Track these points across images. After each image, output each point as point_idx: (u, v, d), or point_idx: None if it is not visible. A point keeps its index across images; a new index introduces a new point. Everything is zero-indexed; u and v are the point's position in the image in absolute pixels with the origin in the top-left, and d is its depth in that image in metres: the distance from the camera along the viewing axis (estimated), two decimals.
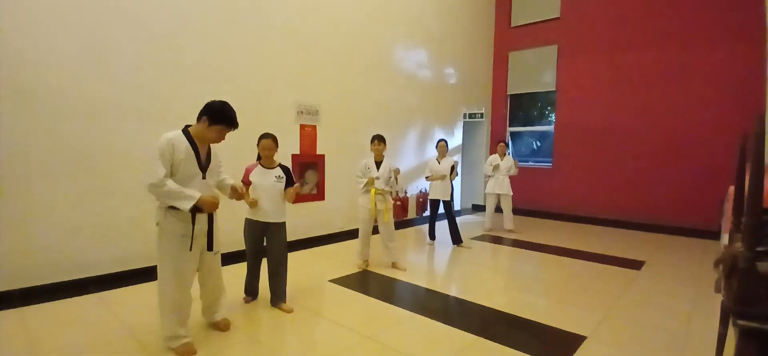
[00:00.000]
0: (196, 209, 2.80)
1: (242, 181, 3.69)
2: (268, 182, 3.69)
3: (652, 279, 4.96)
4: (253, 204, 3.61)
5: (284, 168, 3.82)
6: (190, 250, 2.87)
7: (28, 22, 3.71)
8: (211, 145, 3.00)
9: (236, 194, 3.29)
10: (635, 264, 5.55)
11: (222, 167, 3.18)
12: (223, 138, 2.96)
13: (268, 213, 3.69)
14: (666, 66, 7.89)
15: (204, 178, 2.90)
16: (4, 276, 3.67)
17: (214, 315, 3.29)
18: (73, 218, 4.02)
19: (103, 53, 4.15)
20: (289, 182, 3.79)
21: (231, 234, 4.71)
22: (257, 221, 3.71)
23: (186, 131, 2.87)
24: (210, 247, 3.03)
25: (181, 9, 4.69)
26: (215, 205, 2.88)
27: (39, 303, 3.70)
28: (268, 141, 3.69)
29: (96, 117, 4.12)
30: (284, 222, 3.80)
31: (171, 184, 2.68)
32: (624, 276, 5.01)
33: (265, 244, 3.82)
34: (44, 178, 3.85)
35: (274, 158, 3.79)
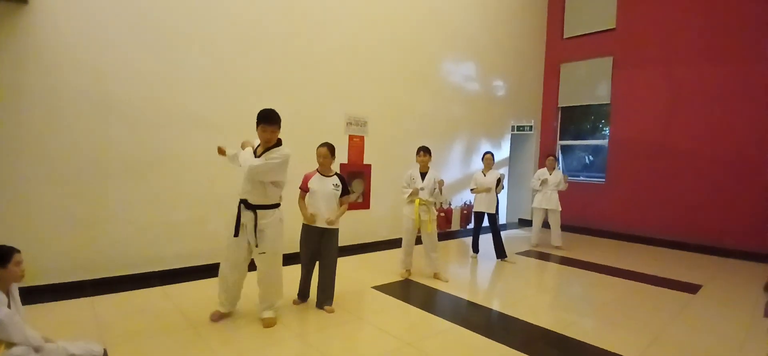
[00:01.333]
0: (244, 202, 3.37)
1: (301, 187, 3.97)
2: (326, 189, 3.91)
3: (708, 303, 4.71)
4: (311, 220, 3.86)
5: (341, 177, 4.03)
6: (236, 236, 3.42)
7: (108, 40, 4.14)
8: (275, 150, 3.39)
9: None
10: (691, 288, 5.27)
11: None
12: (270, 137, 3.37)
13: (325, 219, 3.89)
14: (727, 81, 7.47)
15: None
16: (78, 266, 4.08)
17: (262, 311, 3.56)
18: (143, 216, 4.40)
19: (175, 70, 4.55)
20: (345, 191, 4.00)
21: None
22: (315, 227, 3.91)
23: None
24: (256, 244, 3.41)
25: (245, 32, 5.06)
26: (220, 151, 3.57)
27: (108, 293, 4.07)
28: (322, 149, 3.93)
29: (166, 126, 4.51)
30: (338, 229, 4.01)
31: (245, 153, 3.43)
32: (678, 300, 4.78)
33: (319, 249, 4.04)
34: (119, 180, 4.25)
35: (331, 166, 4.01)
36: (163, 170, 4.50)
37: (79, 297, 3.92)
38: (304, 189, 3.94)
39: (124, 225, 4.29)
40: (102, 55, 4.10)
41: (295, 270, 4.16)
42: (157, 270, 4.49)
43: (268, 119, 3.32)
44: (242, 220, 3.38)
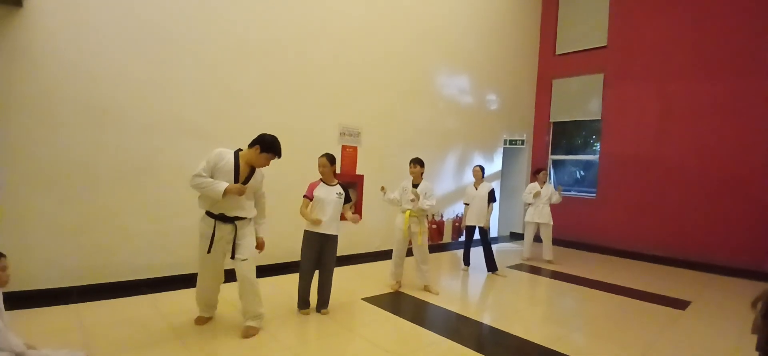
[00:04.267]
0: (220, 217, 3.33)
1: (305, 195, 4.09)
2: (330, 198, 4.06)
3: (696, 319, 4.74)
4: (316, 224, 3.98)
5: (343, 186, 4.20)
6: (208, 253, 3.37)
7: (102, 45, 4.13)
8: (257, 171, 3.49)
9: (259, 247, 3.69)
10: (680, 304, 5.30)
11: (264, 197, 3.69)
12: (269, 164, 3.50)
13: (329, 226, 4.04)
14: (717, 97, 7.59)
15: None
16: (65, 273, 4.03)
17: (245, 321, 3.52)
18: (132, 224, 4.36)
19: (167, 77, 4.55)
20: (347, 199, 4.19)
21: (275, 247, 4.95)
22: (318, 233, 4.01)
23: (236, 152, 3.40)
24: (232, 255, 3.41)
25: (237, 41, 5.07)
26: (241, 191, 3.28)
27: (95, 300, 4.01)
28: (321, 160, 4.10)
29: (158, 133, 4.49)
30: (337, 236, 4.15)
31: (205, 178, 3.20)
32: (667, 315, 4.81)
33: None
34: (108, 186, 4.21)
35: (333, 175, 4.17)
36: (153, 177, 4.47)
37: (65, 304, 3.86)
38: (309, 197, 4.07)
39: (112, 232, 4.25)
40: (95, 60, 4.09)
41: (294, 279, 4.17)
42: (145, 278, 4.44)
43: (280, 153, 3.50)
44: (218, 234, 3.36)
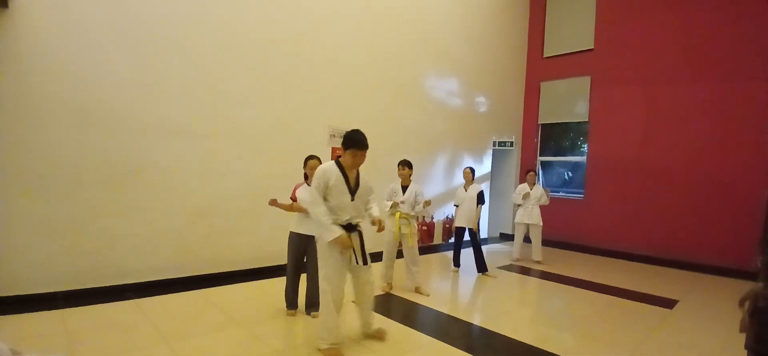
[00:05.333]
0: (347, 226, 3.27)
1: (291, 198, 4.04)
2: None
3: (684, 318, 4.80)
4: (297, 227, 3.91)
5: None
6: (357, 263, 3.41)
7: (89, 46, 4.07)
8: (360, 172, 3.40)
9: (378, 226, 3.59)
10: (667, 303, 5.37)
11: (372, 194, 3.61)
12: (361, 161, 3.33)
13: (312, 228, 3.90)
14: (703, 100, 7.71)
15: (352, 200, 3.29)
16: (51, 277, 3.95)
17: (371, 325, 3.59)
18: (119, 227, 4.30)
19: (156, 77, 4.50)
20: None
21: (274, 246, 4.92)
22: (301, 234, 3.98)
23: (337, 161, 3.31)
24: (362, 262, 3.44)
25: (227, 41, 5.03)
26: (347, 246, 3.24)
27: (80, 305, 3.94)
28: (313, 162, 4.02)
29: (145, 135, 4.44)
30: None
31: (322, 214, 3.14)
32: (655, 315, 4.86)
33: (305, 259, 4.10)
34: (94, 188, 4.15)
35: None
36: (140, 179, 4.42)
37: (50, 308, 3.79)
38: (294, 199, 4.04)
39: (99, 235, 4.19)
40: (81, 61, 4.04)
41: (281, 282, 4.13)
42: (131, 282, 4.38)
43: (364, 144, 3.32)
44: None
